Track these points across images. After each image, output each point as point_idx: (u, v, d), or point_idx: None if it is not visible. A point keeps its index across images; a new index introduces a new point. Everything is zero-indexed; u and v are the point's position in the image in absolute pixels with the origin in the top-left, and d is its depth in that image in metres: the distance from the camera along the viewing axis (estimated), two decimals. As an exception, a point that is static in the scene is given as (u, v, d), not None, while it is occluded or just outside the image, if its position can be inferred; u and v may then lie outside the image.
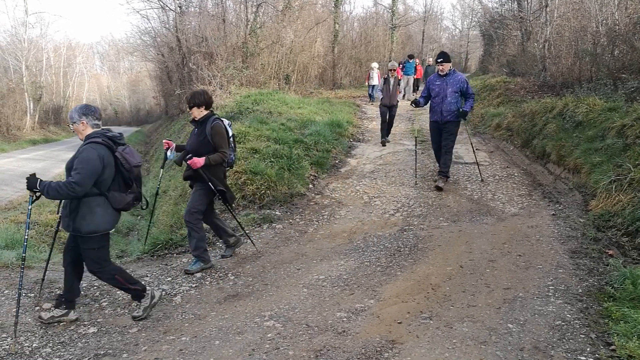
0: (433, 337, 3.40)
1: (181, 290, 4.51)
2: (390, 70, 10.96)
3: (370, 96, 18.55)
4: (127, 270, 5.07)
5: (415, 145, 9.29)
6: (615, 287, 3.92)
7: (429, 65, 19.53)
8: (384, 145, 10.89)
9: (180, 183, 9.90)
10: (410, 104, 8.01)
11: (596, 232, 5.28)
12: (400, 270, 4.70)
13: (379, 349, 3.28)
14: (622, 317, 3.44)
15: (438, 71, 7.55)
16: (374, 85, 17.92)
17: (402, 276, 4.56)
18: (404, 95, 17.56)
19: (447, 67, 7.49)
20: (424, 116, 15.01)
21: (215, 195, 4.93)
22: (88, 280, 4.73)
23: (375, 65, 18.26)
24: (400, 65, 18.71)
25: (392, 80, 10.82)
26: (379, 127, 13.01)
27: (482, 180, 7.95)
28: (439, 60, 7.56)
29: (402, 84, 10.64)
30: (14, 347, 3.38)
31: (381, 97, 10.91)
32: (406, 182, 8.03)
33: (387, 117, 11.05)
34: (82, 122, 3.69)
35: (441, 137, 7.66)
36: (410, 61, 19.10)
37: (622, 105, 7.83)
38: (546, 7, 13.79)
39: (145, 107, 62.53)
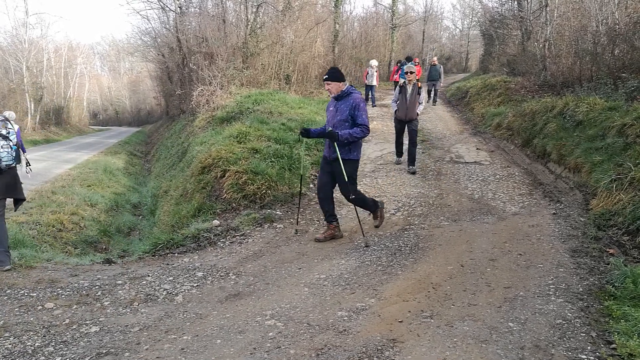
0: (434, 336, 3.40)
1: (183, 290, 4.52)
2: (407, 72, 8.74)
3: (368, 98, 16.91)
4: (129, 270, 5.10)
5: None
6: (616, 286, 3.92)
7: (433, 65, 17.50)
8: (398, 164, 9.16)
9: (182, 183, 9.93)
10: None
11: (597, 231, 5.29)
12: (401, 270, 4.71)
13: (379, 347, 3.29)
14: (622, 316, 3.45)
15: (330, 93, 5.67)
16: (372, 86, 16.97)
17: (403, 275, 4.57)
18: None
19: (334, 87, 5.50)
20: (423, 115, 15.05)
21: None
22: (90, 279, 4.75)
23: (374, 63, 17.13)
24: (397, 65, 17.56)
25: (409, 88, 8.62)
26: (381, 128, 12.99)
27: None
28: (324, 78, 5.70)
29: (423, 93, 8.63)
30: None
31: (395, 109, 8.86)
32: (407, 182, 8.04)
33: (404, 135, 9.01)
34: None
35: (331, 179, 5.71)
36: (409, 63, 18.06)
37: (623, 104, 7.84)
38: (546, 6, 13.80)
39: (146, 107, 62.59)
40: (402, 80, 8.90)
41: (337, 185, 5.70)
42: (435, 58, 18.97)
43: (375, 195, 7.39)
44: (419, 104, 8.67)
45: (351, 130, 5.35)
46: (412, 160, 8.73)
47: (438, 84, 17.54)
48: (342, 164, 5.37)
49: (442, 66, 17.88)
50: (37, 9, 63.90)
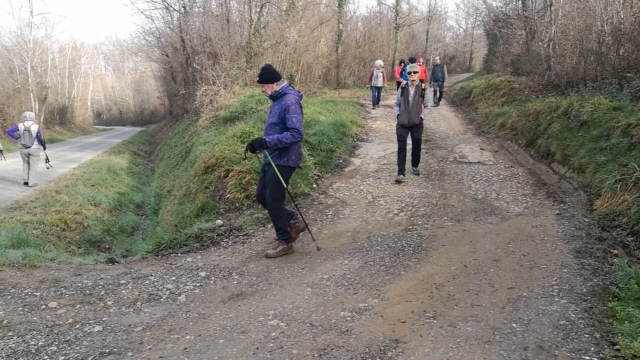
0: (437, 337, 3.39)
1: (185, 290, 4.53)
2: (410, 72, 8.01)
3: (374, 100, 16.63)
4: (133, 270, 5.11)
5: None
6: (620, 287, 3.90)
7: (437, 64, 17.30)
8: (398, 182, 7.93)
9: (185, 183, 9.95)
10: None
11: (601, 231, 5.26)
12: (404, 270, 4.70)
13: (382, 348, 3.28)
14: (626, 317, 3.43)
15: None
16: (379, 87, 16.32)
17: (406, 276, 4.56)
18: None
19: (267, 88, 5.13)
20: (427, 115, 15.02)
21: None
22: (93, 279, 4.76)
23: (379, 63, 16.56)
24: (401, 65, 17.22)
25: (411, 90, 7.97)
26: (384, 128, 12.88)
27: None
28: (257, 80, 5.32)
29: (428, 94, 7.92)
30: None
31: (397, 113, 8.19)
32: (410, 182, 8.03)
33: (409, 143, 8.27)
34: None
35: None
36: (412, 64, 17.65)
37: (628, 104, 7.80)
38: (551, 6, 13.75)
39: (150, 107, 62.75)
40: (404, 82, 8.34)
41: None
42: (438, 58, 18.59)
43: (378, 196, 7.39)
44: (425, 107, 8.02)
45: (280, 135, 4.96)
46: (415, 161, 8.40)
47: (442, 85, 17.24)
48: (276, 170, 5.04)
49: (445, 65, 17.59)
50: (41, 9, 64.14)
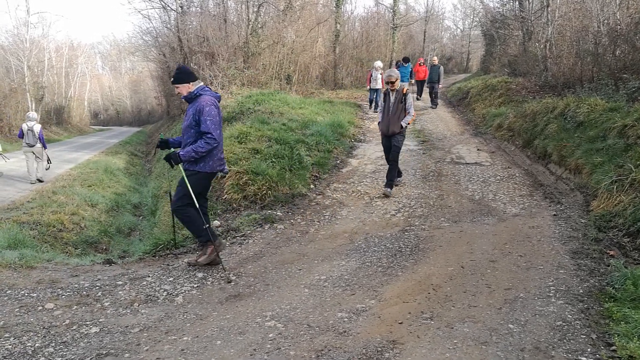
0: (434, 338, 3.40)
1: (183, 291, 4.52)
2: (390, 82, 7.41)
3: (372, 102, 16.09)
4: (130, 271, 5.10)
5: None
6: (616, 288, 3.92)
7: (433, 65, 16.80)
8: (385, 196, 7.42)
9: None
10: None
11: (597, 232, 5.28)
12: (402, 271, 4.71)
13: (379, 349, 3.29)
14: (623, 318, 3.45)
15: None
16: (377, 89, 15.54)
17: (403, 276, 4.57)
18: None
19: (182, 89, 4.84)
20: (424, 116, 15.05)
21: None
22: (90, 280, 4.75)
23: (378, 64, 15.88)
24: (397, 66, 16.75)
25: (392, 97, 7.44)
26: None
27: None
28: (171, 81, 5.00)
29: (410, 100, 7.37)
30: None
31: (379, 120, 7.80)
32: (407, 183, 8.03)
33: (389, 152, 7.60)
34: None
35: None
36: (405, 65, 16.34)
37: (624, 105, 7.83)
38: (547, 6, 13.78)
39: (147, 107, 62.62)
40: (387, 86, 7.56)
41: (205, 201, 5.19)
42: (435, 58, 18.09)
43: (376, 196, 7.39)
44: (407, 114, 7.36)
45: (194, 145, 4.67)
46: (388, 181, 7.52)
47: (437, 86, 16.82)
48: (184, 176, 4.82)
49: (442, 66, 17.28)
50: (38, 8, 64.17)
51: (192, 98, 4.81)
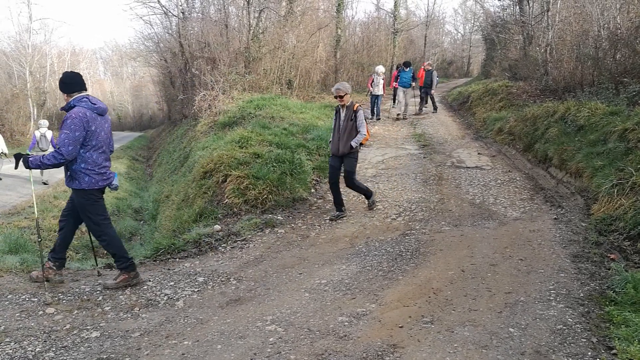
0: (434, 341, 3.40)
1: (183, 295, 4.53)
2: (339, 97, 6.66)
3: (374, 112, 15.29)
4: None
5: None
6: (617, 291, 3.92)
7: (427, 69, 16.39)
8: (332, 220, 6.78)
9: (183, 188, 9.95)
10: None
11: (598, 236, 5.28)
12: (402, 275, 4.70)
13: (380, 353, 3.29)
14: (623, 321, 3.44)
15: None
16: (378, 96, 14.99)
17: (403, 280, 4.57)
18: (401, 114, 15.33)
19: (68, 97, 4.53)
20: (425, 120, 15.07)
21: None
22: (91, 284, 4.75)
23: (380, 69, 15.14)
24: (397, 71, 16.15)
25: (342, 114, 6.73)
26: (382, 133, 12.88)
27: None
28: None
29: (361, 117, 6.65)
30: None
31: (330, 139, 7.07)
32: (408, 187, 8.04)
33: (339, 175, 6.85)
34: None
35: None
36: (406, 70, 15.37)
37: (624, 109, 7.84)
38: (548, 11, 13.81)
39: (148, 112, 62.73)
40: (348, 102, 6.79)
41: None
42: (427, 63, 17.49)
43: (376, 200, 7.39)
44: (358, 132, 6.61)
45: (45, 155, 4.36)
46: (338, 203, 6.88)
47: (430, 91, 16.58)
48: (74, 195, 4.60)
49: (435, 71, 16.83)
50: (40, 14, 64.43)
51: (67, 109, 4.46)
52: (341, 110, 6.76)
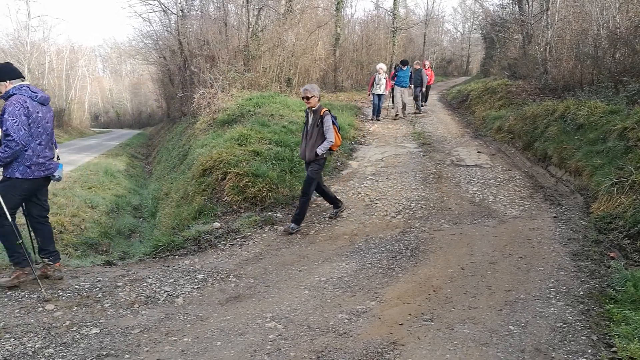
0: (434, 339, 3.40)
1: (183, 292, 4.52)
2: (305, 98, 6.21)
3: (375, 110, 14.78)
4: (130, 272, 5.10)
5: None
6: (617, 290, 3.92)
7: (417, 69, 15.96)
8: (287, 233, 6.23)
9: (183, 185, 9.95)
10: None
11: (598, 234, 5.28)
12: (402, 272, 4.70)
13: (380, 350, 3.29)
14: (623, 319, 3.44)
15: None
16: (380, 95, 14.45)
17: (403, 278, 4.57)
18: (399, 112, 14.98)
19: (1, 87, 4.42)
20: (425, 119, 15.07)
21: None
22: (91, 281, 4.75)
23: (382, 66, 14.56)
24: (394, 70, 15.64)
25: (310, 118, 6.34)
26: (382, 131, 12.86)
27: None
28: None
29: (328, 122, 6.20)
30: None
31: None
32: (408, 185, 8.04)
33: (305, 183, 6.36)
34: None
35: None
36: (404, 68, 14.83)
37: (624, 108, 7.84)
38: (547, 10, 13.82)
39: (147, 109, 62.67)
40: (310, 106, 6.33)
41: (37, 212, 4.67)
42: (416, 62, 17.14)
43: (376, 198, 7.39)
44: (325, 139, 6.17)
45: None
46: (295, 216, 6.34)
47: (418, 90, 16.12)
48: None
49: (423, 70, 16.44)
50: (39, 11, 64.19)
51: (5, 98, 4.36)
52: (309, 114, 6.37)
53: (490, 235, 5.61)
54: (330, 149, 6.34)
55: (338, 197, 6.95)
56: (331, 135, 6.20)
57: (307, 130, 6.36)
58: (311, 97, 6.17)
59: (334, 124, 6.31)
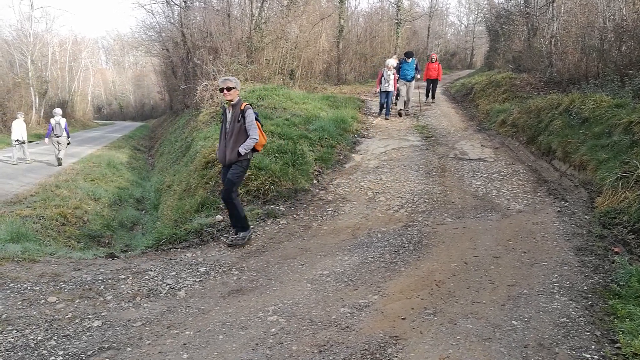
0: (437, 333, 3.39)
1: (185, 285, 4.52)
2: (226, 89, 5.42)
3: (383, 107, 13.84)
4: (132, 264, 5.10)
5: None
6: (621, 285, 3.90)
7: (407, 62, 14.44)
8: (235, 246, 5.59)
9: (185, 178, 9.94)
10: None
11: (602, 229, 5.25)
12: (404, 266, 4.69)
13: (382, 344, 3.28)
14: (627, 315, 3.42)
15: None
16: (389, 92, 13.43)
17: (406, 272, 4.55)
18: (403, 110, 14.26)
19: None
20: (428, 112, 15.00)
21: None
22: (93, 274, 4.75)
23: (392, 62, 13.51)
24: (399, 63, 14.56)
25: (229, 114, 5.55)
26: (385, 124, 12.79)
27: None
28: None
29: (250, 118, 5.46)
30: None
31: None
32: (411, 178, 8.00)
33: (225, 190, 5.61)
34: None
35: None
36: (409, 61, 14.16)
37: (629, 101, 7.77)
38: (553, 2, 13.69)
39: (150, 102, 62.69)
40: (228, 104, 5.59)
41: None
42: (395, 56, 16.12)
43: (379, 192, 7.36)
44: (248, 136, 5.46)
45: None
46: (234, 226, 5.74)
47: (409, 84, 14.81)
48: None
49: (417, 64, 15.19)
50: (42, 2, 63.80)
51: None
52: (227, 110, 5.57)
53: (494, 230, 5.59)
54: (254, 149, 5.66)
55: (249, 222, 5.89)
56: (255, 132, 5.46)
57: (225, 129, 5.55)
58: (232, 88, 5.44)
59: (257, 120, 5.59)
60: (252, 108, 5.58)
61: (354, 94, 18.74)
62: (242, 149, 5.40)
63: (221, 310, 3.96)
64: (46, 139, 15.07)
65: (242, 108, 5.48)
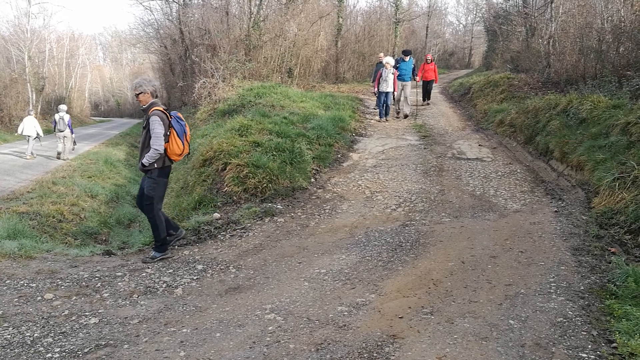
0: (434, 332, 3.39)
1: (182, 282, 4.51)
2: (138, 94, 5.09)
3: (382, 108, 13.25)
4: (129, 262, 5.08)
5: None
6: (618, 285, 3.91)
7: (405, 60, 14.11)
8: (144, 262, 5.08)
9: (183, 175, 9.92)
10: None
11: (599, 229, 5.27)
12: (402, 265, 4.69)
13: (379, 343, 3.28)
14: (624, 315, 3.43)
15: None
16: (387, 93, 12.86)
17: (403, 271, 4.56)
18: (401, 112, 13.88)
19: None
20: (426, 111, 15.01)
21: None
22: (90, 271, 4.74)
23: (389, 60, 13.05)
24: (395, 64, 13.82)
25: (144, 120, 5.21)
26: (383, 123, 12.78)
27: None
28: None
29: (156, 126, 4.89)
30: None
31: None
32: (408, 178, 8.01)
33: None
34: None
35: None
36: (407, 60, 13.80)
37: (627, 102, 7.80)
38: (551, 3, 13.71)
39: (148, 99, 62.39)
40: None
41: None
42: (382, 54, 15.79)
43: (376, 191, 7.37)
44: (153, 147, 4.91)
45: None
46: (155, 242, 5.28)
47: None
48: None
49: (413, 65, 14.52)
50: (39, -2, 63.53)
51: None
52: (145, 115, 5.08)
53: (491, 229, 5.60)
54: (170, 159, 5.13)
55: (179, 228, 5.64)
56: (157, 142, 4.88)
57: (144, 138, 5.06)
58: (140, 93, 5.01)
59: (172, 127, 5.01)
60: (166, 112, 5.02)
61: (352, 93, 18.75)
62: (145, 160, 4.96)
63: (218, 308, 3.96)
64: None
65: (149, 113, 4.97)
